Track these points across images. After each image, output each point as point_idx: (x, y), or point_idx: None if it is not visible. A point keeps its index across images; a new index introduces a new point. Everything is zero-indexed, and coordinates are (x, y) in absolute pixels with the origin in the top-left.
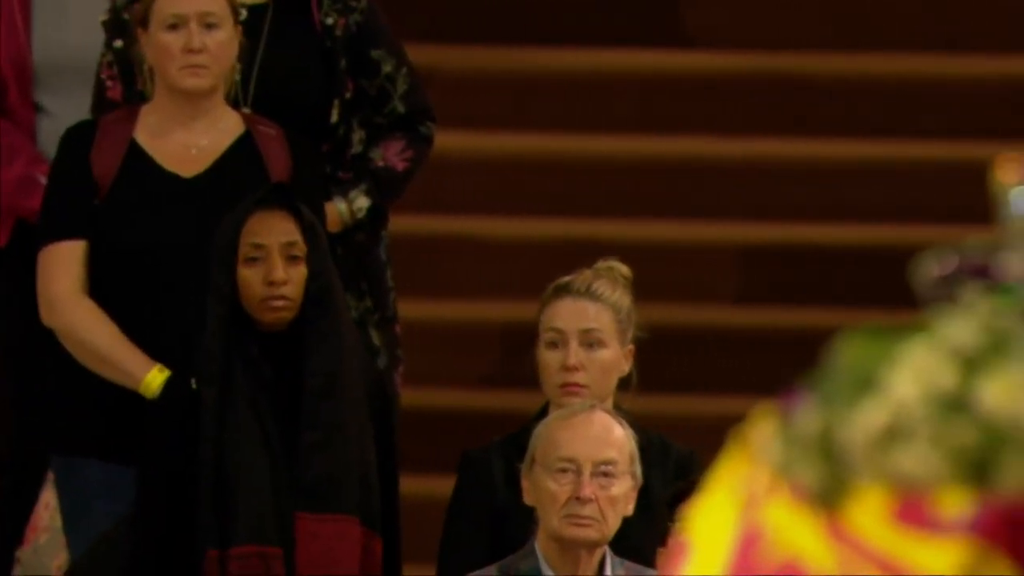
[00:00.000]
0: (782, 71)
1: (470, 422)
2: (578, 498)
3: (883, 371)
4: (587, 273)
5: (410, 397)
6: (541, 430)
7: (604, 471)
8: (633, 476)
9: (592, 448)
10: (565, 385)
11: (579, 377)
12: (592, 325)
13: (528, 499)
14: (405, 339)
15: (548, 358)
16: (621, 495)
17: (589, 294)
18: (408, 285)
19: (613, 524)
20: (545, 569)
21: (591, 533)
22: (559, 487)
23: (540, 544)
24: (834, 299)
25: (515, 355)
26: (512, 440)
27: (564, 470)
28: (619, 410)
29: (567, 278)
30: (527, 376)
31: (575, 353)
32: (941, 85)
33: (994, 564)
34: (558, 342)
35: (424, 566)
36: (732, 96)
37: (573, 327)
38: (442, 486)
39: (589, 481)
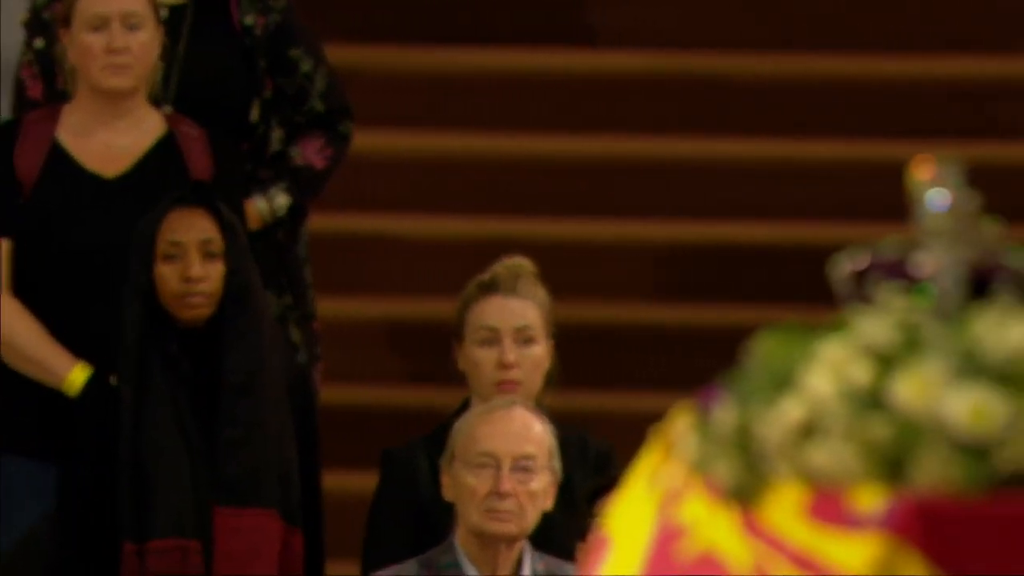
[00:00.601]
0: (698, 70)
1: (390, 419)
2: (497, 493)
3: (799, 369)
4: (501, 270)
5: (330, 394)
6: (461, 425)
7: (523, 466)
8: (552, 471)
9: (511, 443)
10: (502, 383)
11: (515, 374)
12: (525, 322)
13: (448, 494)
14: (325, 336)
15: (481, 356)
16: (540, 490)
17: (518, 292)
18: (327, 283)
19: (532, 519)
20: (464, 563)
21: (510, 528)
22: (478, 482)
23: (460, 539)
24: (751, 297)
25: (433, 352)
26: (435, 437)
27: (483, 465)
28: (538, 406)
29: (488, 276)
30: (446, 373)
31: (510, 350)
32: (858, 84)
33: (907, 559)
34: (492, 340)
35: (346, 562)
36: (648, 95)
37: (507, 325)
38: (363, 482)
39: (508, 476)
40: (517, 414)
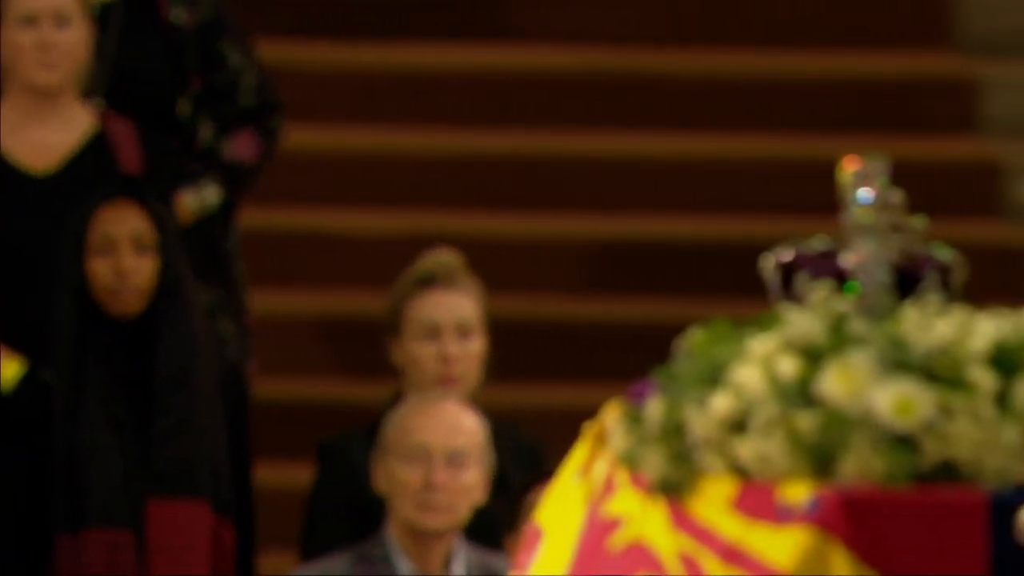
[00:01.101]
0: (628, 66)
1: (322, 412)
2: (429, 486)
3: (728, 363)
4: (434, 264)
5: (263, 387)
6: (393, 419)
7: (455, 459)
8: (484, 464)
9: (443, 436)
10: (443, 377)
11: (456, 369)
12: (465, 316)
13: (380, 487)
14: (257, 330)
15: (422, 351)
16: (472, 483)
17: (456, 286)
18: (259, 277)
19: (464, 512)
20: (396, 556)
21: (442, 521)
22: (410, 475)
23: (392, 532)
24: (681, 292)
25: (365, 346)
26: (372, 430)
27: (415, 458)
28: (474, 400)
29: (424, 270)
30: (378, 366)
31: (452, 345)
32: (787, 81)
33: (834, 552)
34: (433, 334)
35: (279, 554)
36: (577, 91)
37: (448, 319)
38: (295, 475)
39: (440, 469)
40: (449, 407)
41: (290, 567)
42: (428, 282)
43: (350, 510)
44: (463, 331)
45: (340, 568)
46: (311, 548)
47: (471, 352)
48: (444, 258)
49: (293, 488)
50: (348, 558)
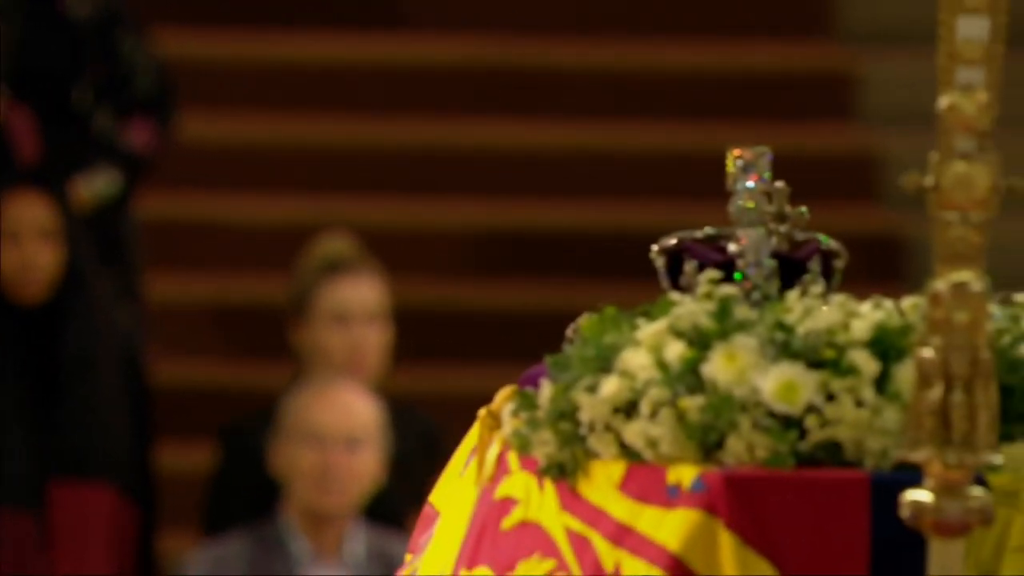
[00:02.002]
0: (521, 56)
1: (219, 396)
2: (325, 469)
3: (618, 349)
4: (333, 250)
5: (161, 371)
6: (291, 403)
7: (351, 443)
8: (380, 447)
9: (339, 420)
10: (351, 363)
11: (366, 355)
12: (375, 302)
13: (277, 469)
14: (155, 316)
15: (331, 337)
16: (367, 466)
17: (363, 272)
18: (157, 264)
19: (359, 494)
20: (291, 537)
21: (337, 502)
22: (307, 458)
23: (288, 512)
24: (575, 278)
25: (261, 330)
26: (272, 413)
27: (312, 442)
28: (378, 384)
29: (329, 255)
30: (274, 350)
31: (362, 331)
32: (676, 71)
33: (719, 532)
34: (342, 321)
35: (179, 535)
36: (471, 80)
37: (359, 306)
38: (194, 457)
39: (336, 452)
40: (345, 392)
41: (190, 547)
42: (335, 268)
43: (250, 491)
44: (371, 318)
45: (236, 549)
46: (213, 528)
47: (378, 337)
48: (345, 244)
49: (192, 470)
50: (244, 539)
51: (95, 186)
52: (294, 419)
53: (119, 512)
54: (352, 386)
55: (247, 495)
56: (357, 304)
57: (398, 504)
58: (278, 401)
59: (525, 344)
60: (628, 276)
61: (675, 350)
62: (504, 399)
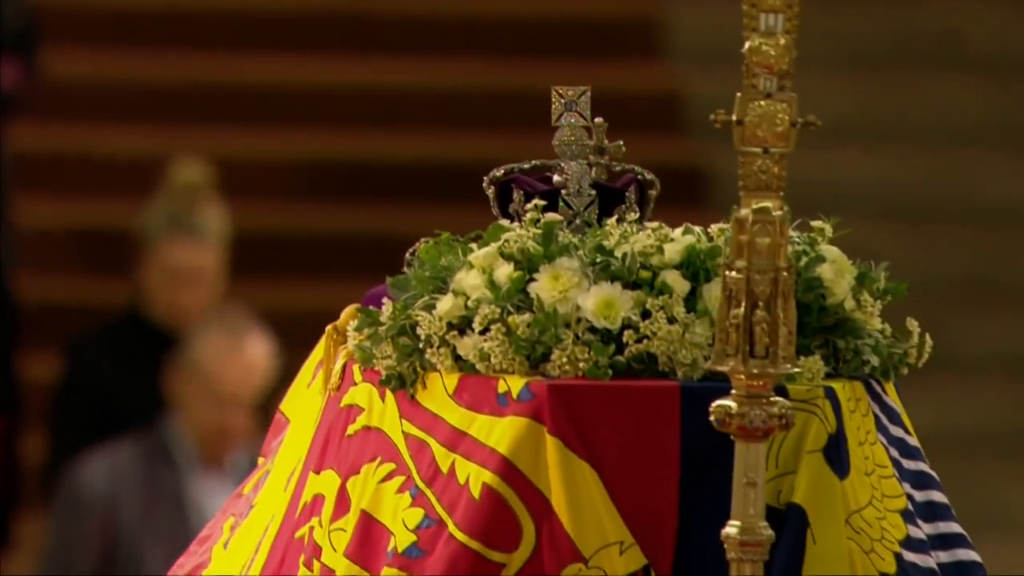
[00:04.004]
0: (358, 1)
1: (80, 310)
2: (224, 427)
3: (453, 270)
4: (178, 195)
5: (26, 289)
6: (197, 345)
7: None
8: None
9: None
10: (182, 308)
11: (196, 305)
12: (203, 263)
13: (173, 394)
14: (22, 237)
15: (168, 292)
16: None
17: (196, 229)
18: (26, 189)
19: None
20: (178, 449)
21: (231, 447)
22: (208, 415)
23: (176, 427)
24: (415, 205)
25: (116, 251)
26: (112, 327)
27: (212, 400)
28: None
29: (183, 182)
30: (126, 269)
31: (190, 291)
32: (503, 15)
33: (543, 438)
34: (176, 280)
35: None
36: (314, 22)
37: (188, 269)
38: (55, 366)
39: (237, 414)
40: (251, 349)
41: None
42: (174, 227)
43: (91, 400)
44: (199, 273)
45: (126, 458)
46: (57, 434)
47: (208, 281)
48: (197, 171)
49: (55, 379)
50: (133, 448)
51: None
52: (198, 368)
53: None
54: (258, 340)
55: (87, 403)
56: (186, 266)
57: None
58: (124, 313)
59: (368, 265)
60: (462, 204)
61: (504, 271)
62: (348, 316)
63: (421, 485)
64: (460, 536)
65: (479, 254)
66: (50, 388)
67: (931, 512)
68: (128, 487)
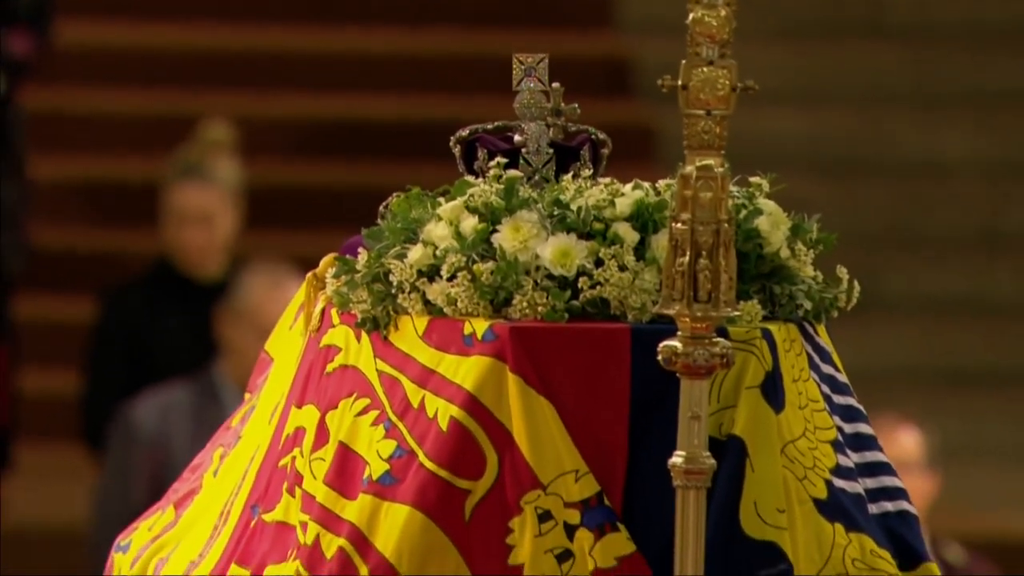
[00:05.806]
0: None
1: (95, 259)
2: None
3: (423, 222)
4: (196, 153)
5: (43, 239)
6: (244, 284)
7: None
8: None
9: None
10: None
11: (206, 246)
12: (212, 208)
13: (221, 334)
14: (39, 192)
15: (180, 234)
16: None
17: (205, 175)
18: (40, 148)
19: None
20: (225, 389)
21: None
22: (249, 343)
23: (223, 368)
24: (390, 161)
25: (132, 205)
26: (147, 277)
27: (256, 332)
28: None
29: (185, 158)
30: (145, 222)
31: (199, 232)
32: None
33: (505, 376)
34: (185, 221)
35: (54, 375)
36: None
37: (195, 211)
38: (69, 309)
39: None
40: (295, 289)
41: (61, 386)
42: (185, 173)
43: (127, 345)
44: (206, 216)
45: (179, 397)
46: (93, 375)
47: (223, 229)
48: (208, 137)
49: (69, 320)
50: (185, 388)
51: None
52: (245, 304)
53: None
54: (297, 281)
55: (121, 348)
56: (194, 209)
57: None
58: (155, 263)
59: (344, 218)
60: (431, 161)
61: (470, 223)
62: (327, 264)
63: (394, 418)
64: (429, 465)
65: (446, 207)
66: (67, 326)
67: (858, 443)
68: (178, 424)
